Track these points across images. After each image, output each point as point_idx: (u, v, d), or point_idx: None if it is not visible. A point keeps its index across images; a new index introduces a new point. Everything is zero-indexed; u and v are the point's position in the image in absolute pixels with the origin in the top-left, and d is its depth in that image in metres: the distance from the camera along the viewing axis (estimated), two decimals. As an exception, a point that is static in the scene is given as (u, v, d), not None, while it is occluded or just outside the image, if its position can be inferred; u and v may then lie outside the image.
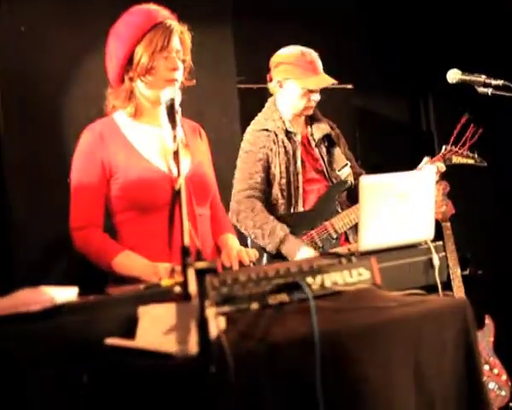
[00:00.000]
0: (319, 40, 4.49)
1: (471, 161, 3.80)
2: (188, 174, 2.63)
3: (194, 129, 2.87)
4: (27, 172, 3.56)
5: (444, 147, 3.79)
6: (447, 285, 3.50)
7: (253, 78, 4.40)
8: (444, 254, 2.46)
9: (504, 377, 3.95)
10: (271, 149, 3.60)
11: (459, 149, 3.76)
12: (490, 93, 3.19)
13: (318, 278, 2.02)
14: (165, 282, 2.01)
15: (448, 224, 3.76)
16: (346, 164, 3.74)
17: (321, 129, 3.76)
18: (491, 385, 3.92)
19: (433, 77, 3.86)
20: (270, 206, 3.59)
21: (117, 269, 2.51)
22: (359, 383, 1.77)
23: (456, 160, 3.78)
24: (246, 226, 3.54)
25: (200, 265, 1.61)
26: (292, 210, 3.60)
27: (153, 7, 2.66)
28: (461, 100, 3.99)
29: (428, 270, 2.40)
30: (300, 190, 3.61)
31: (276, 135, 3.61)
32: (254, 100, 4.37)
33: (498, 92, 3.17)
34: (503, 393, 3.92)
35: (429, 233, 2.43)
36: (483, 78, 3.21)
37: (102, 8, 3.62)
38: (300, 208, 3.60)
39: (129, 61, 2.61)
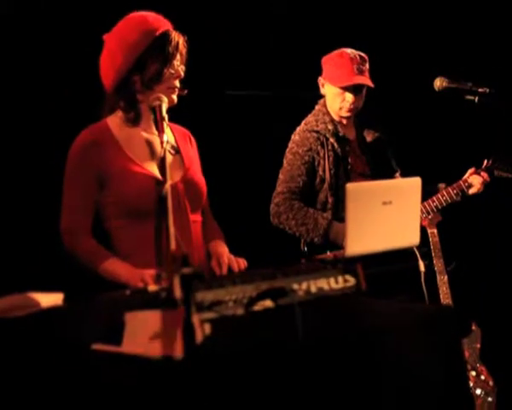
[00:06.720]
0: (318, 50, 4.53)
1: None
2: (182, 180, 2.65)
3: (185, 135, 2.87)
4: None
5: (485, 160, 3.82)
6: (434, 292, 3.52)
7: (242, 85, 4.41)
8: (430, 260, 2.48)
9: (491, 383, 3.95)
10: (318, 153, 3.54)
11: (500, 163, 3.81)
12: (476, 100, 3.22)
13: (304, 284, 2.03)
14: (152, 288, 2.02)
15: (435, 231, 3.77)
16: (396, 171, 3.71)
17: (371, 134, 3.72)
18: (478, 391, 3.92)
19: (421, 85, 3.87)
20: (318, 209, 3.54)
21: (103, 275, 2.52)
22: (344, 390, 1.78)
23: (497, 173, 3.82)
24: (289, 227, 3.50)
25: (187, 271, 1.62)
26: (339, 214, 3.50)
27: (154, 15, 2.66)
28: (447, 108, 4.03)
29: (414, 276, 2.42)
30: None
31: (327, 139, 3.54)
32: (242, 107, 4.39)
33: (485, 100, 3.20)
34: (490, 399, 3.92)
35: (415, 240, 2.45)
36: (469, 85, 3.24)
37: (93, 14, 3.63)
38: None
39: (136, 66, 2.60)
